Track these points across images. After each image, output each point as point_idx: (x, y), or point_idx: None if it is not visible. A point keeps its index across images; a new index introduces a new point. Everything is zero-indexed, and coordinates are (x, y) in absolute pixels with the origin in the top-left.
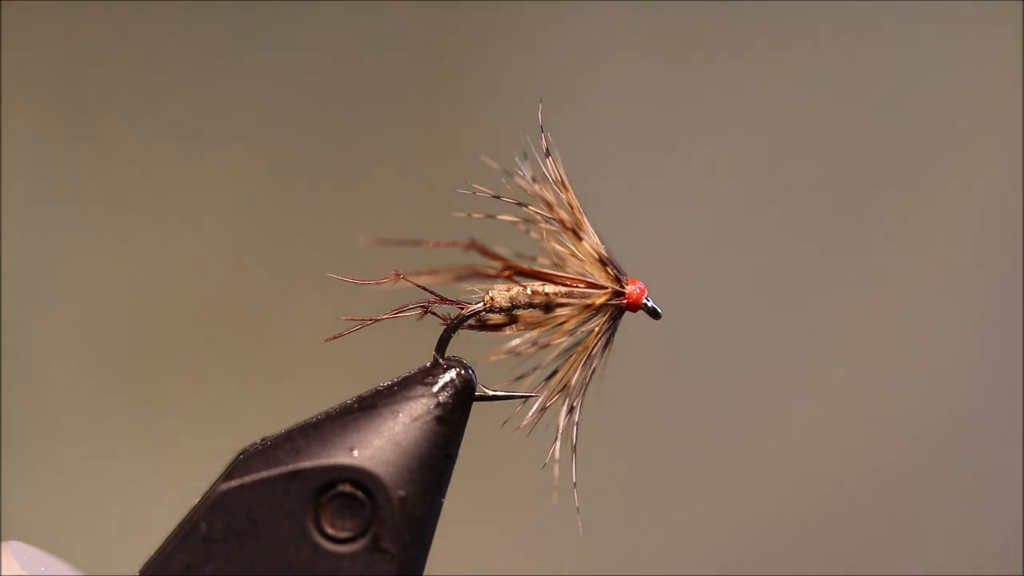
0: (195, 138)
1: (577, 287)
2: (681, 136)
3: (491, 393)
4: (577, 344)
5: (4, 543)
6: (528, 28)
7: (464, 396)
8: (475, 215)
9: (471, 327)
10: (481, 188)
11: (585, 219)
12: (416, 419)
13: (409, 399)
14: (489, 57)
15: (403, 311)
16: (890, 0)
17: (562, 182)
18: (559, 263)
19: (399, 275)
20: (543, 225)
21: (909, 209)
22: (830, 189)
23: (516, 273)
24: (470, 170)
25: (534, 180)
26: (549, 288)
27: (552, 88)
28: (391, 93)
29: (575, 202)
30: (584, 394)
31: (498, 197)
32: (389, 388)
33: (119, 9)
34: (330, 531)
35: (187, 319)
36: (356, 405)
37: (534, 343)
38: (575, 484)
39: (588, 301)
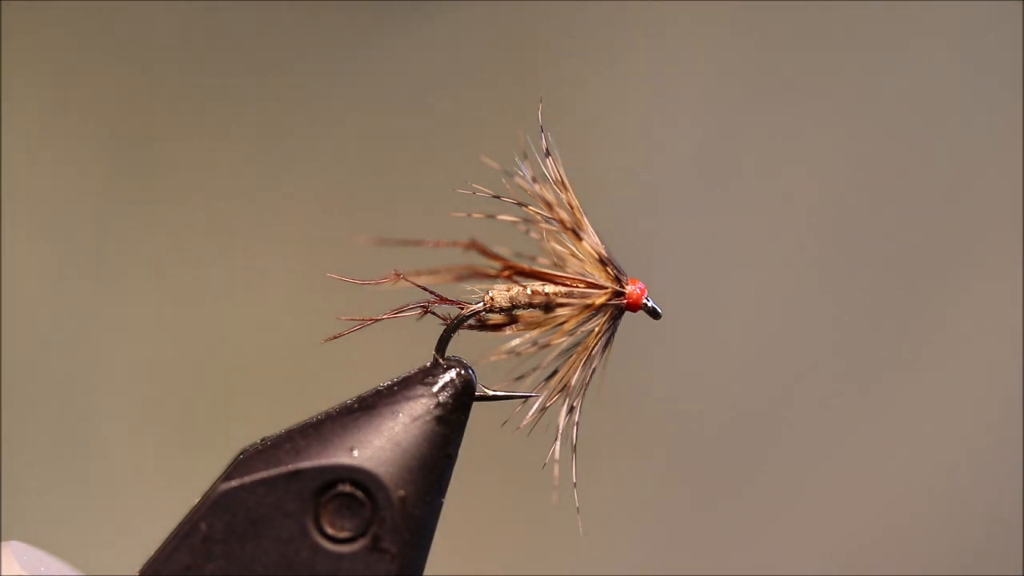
0: (253, 187)
1: (577, 287)
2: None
3: (491, 393)
4: (577, 344)
5: (4, 543)
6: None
7: (464, 396)
8: (475, 215)
9: (471, 327)
10: (481, 188)
11: (585, 219)
12: (416, 419)
13: (409, 399)
14: (491, 59)
15: (403, 311)
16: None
17: (562, 182)
18: (559, 263)
19: (399, 275)
20: (543, 225)
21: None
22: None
23: (516, 273)
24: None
25: (534, 180)
26: (549, 288)
27: (571, 95)
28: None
29: (575, 202)
30: (584, 394)
31: (498, 197)
32: (389, 388)
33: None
34: (330, 531)
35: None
36: (356, 405)
37: (534, 343)
38: (575, 484)
39: (588, 301)
